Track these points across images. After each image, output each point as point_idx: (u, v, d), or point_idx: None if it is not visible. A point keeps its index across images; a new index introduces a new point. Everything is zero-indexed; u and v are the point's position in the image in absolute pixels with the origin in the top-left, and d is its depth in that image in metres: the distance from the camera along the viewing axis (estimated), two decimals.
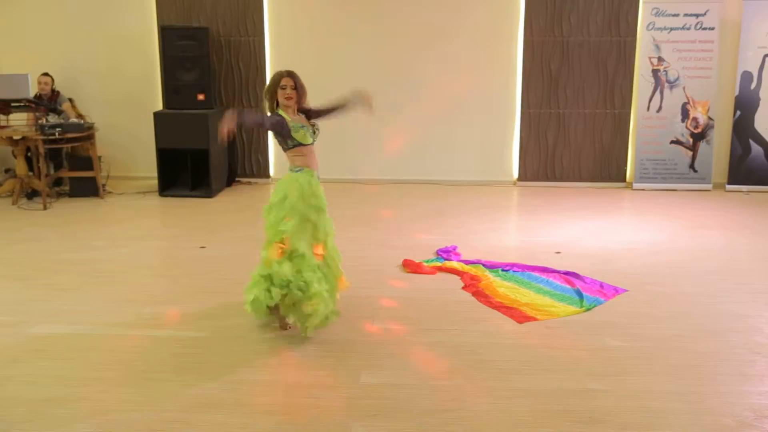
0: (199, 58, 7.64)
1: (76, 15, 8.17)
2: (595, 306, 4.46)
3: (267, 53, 8.15)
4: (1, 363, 3.71)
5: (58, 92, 7.76)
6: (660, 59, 7.81)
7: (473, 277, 4.94)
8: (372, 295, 4.66)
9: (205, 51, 7.66)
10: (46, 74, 7.67)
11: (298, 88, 4.06)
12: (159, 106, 8.04)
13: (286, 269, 3.90)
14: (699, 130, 7.88)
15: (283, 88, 4.02)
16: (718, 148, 7.98)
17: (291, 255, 3.95)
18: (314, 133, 4.13)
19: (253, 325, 4.18)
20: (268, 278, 3.92)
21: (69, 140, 7.18)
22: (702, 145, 7.90)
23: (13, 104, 7.39)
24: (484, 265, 5.18)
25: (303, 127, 4.05)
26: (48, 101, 7.59)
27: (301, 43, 8.07)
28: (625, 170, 8.13)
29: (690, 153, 7.92)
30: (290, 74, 4.07)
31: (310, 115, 4.17)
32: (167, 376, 3.57)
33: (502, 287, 4.76)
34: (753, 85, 7.80)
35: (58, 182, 7.75)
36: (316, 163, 4.16)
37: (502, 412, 3.23)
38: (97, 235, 6.12)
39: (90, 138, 7.37)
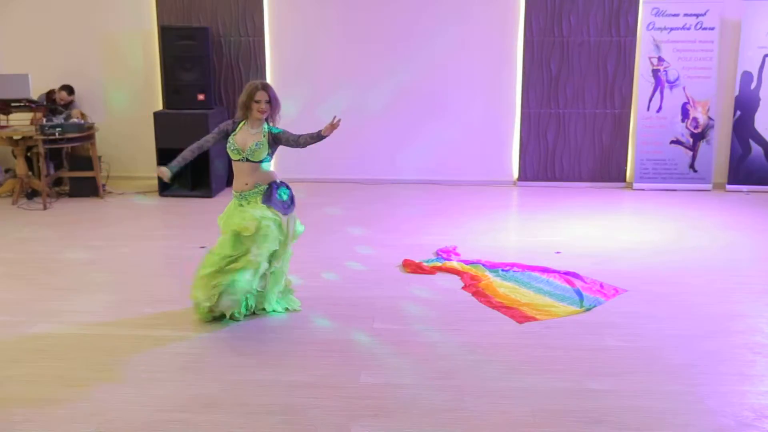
0: (199, 58, 7.63)
1: (76, 15, 8.16)
2: (595, 306, 4.45)
3: (267, 53, 8.14)
4: (1, 363, 3.71)
5: (72, 100, 7.87)
6: (660, 59, 7.81)
7: (473, 277, 4.94)
8: (372, 295, 4.66)
9: (205, 51, 7.65)
10: (65, 88, 7.79)
11: (272, 101, 4.08)
12: (159, 106, 8.04)
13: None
14: (699, 130, 7.88)
15: (258, 102, 4.05)
16: (718, 148, 7.98)
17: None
18: (245, 151, 4.07)
19: (253, 324, 4.18)
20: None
21: (69, 140, 7.18)
22: (702, 145, 7.90)
23: (13, 104, 7.40)
24: (484, 265, 5.18)
25: (234, 146, 4.09)
26: (51, 102, 7.65)
27: (300, 43, 8.07)
28: (625, 170, 8.12)
29: (690, 153, 7.92)
30: (265, 87, 4.09)
31: (278, 137, 4.14)
32: (167, 376, 3.58)
33: (502, 287, 4.75)
34: (753, 85, 7.80)
35: (58, 182, 7.75)
36: (241, 183, 4.14)
37: (502, 412, 3.23)
38: (97, 235, 6.12)
39: (90, 138, 7.38)
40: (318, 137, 4.13)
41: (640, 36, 7.82)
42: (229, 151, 4.13)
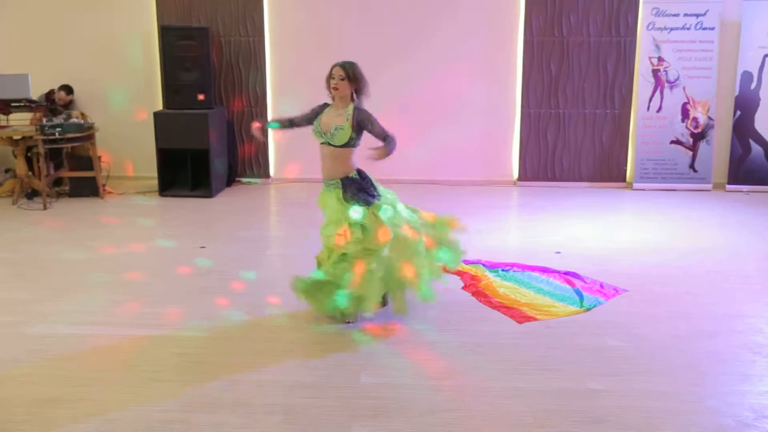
0: (199, 58, 7.63)
1: (76, 15, 8.16)
2: (595, 306, 4.45)
3: (267, 53, 8.14)
4: (1, 363, 3.71)
5: (71, 100, 7.88)
6: (660, 59, 7.81)
7: (473, 277, 4.94)
8: None
9: (205, 51, 7.65)
10: (63, 88, 7.81)
11: (349, 79, 4.04)
12: (159, 106, 8.04)
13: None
14: (699, 130, 7.88)
15: (333, 78, 4.07)
16: (718, 148, 7.98)
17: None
18: (327, 133, 4.03)
19: (253, 325, 4.18)
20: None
21: (69, 140, 7.18)
22: (702, 145, 7.90)
23: (13, 104, 7.40)
24: (484, 265, 5.18)
25: (318, 128, 4.09)
26: (50, 102, 7.65)
27: (301, 43, 8.07)
28: (625, 170, 8.12)
29: (690, 153, 7.92)
30: (343, 65, 4.09)
31: (361, 122, 4.06)
32: (167, 376, 3.58)
33: (502, 287, 4.75)
34: (753, 85, 7.80)
35: (58, 182, 7.75)
36: (326, 169, 4.11)
37: (502, 412, 3.23)
38: (97, 235, 6.12)
39: (90, 138, 7.37)
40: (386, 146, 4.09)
41: (640, 36, 7.82)
42: (313, 133, 4.11)
